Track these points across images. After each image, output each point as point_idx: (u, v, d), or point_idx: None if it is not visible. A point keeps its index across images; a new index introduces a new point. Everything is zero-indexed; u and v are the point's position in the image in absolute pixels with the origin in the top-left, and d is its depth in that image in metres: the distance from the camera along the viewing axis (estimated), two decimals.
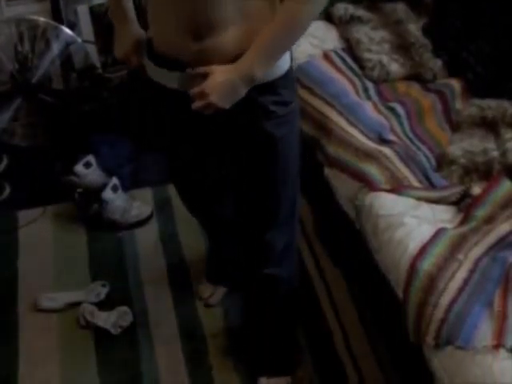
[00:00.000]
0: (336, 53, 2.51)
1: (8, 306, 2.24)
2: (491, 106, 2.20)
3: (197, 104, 1.40)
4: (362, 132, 2.15)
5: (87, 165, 2.58)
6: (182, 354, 2.08)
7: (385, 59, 2.45)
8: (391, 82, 2.42)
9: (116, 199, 2.51)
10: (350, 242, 2.16)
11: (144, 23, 1.60)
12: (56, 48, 2.74)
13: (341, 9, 2.64)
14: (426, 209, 1.91)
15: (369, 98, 2.35)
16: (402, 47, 2.50)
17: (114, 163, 2.68)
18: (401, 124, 2.24)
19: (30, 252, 2.44)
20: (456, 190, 1.97)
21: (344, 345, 2.10)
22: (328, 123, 2.20)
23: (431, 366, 1.60)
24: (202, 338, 2.12)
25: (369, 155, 2.06)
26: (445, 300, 1.61)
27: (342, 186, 2.11)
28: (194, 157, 1.71)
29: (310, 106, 2.28)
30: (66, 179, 2.57)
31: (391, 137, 2.16)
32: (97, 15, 2.88)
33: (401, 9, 2.64)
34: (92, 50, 2.88)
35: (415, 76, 2.43)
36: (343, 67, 2.46)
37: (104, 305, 2.19)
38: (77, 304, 2.19)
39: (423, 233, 1.80)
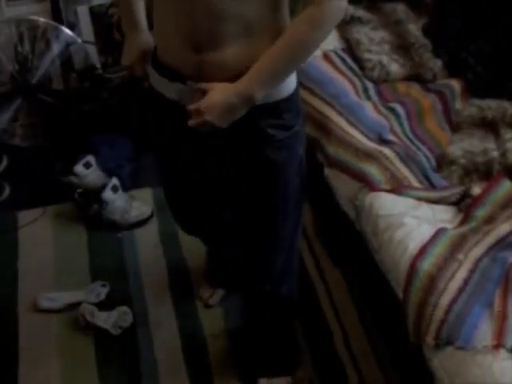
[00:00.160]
0: (336, 53, 2.51)
1: (8, 306, 2.23)
2: (491, 106, 2.20)
3: (193, 121, 1.38)
4: (361, 132, 2.15)
5: (87, 165, 2.58)
6: (182, 355, 2.07)
7: (385, 59, 2.45)
8: (391, 83, 2.42)
9: (116, 199, 2.51)
10: (350, 242, 2.16)
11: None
12: (56, 48, 2.74)
13: None
14: (426, 209, 1.91)
15: (369, 98, 2.35)
16: (402, 47, 2.50)
17: (113, 163, 2.68)
18: (401, 124, 2.24)
19: (29, 252, 2.44)
20: (456, 191, 1.97)
21: (344, 345, 2.10)
22: (328, 123, 2.20)
23: (431, 366, 1.60)
24: (202, 339, 2.12)
25: (369, 155, 2.06)
26: (445, 300, 1.61)
27: (341, 186, 2.11)
28: (193, 162, 1.67)
29: (309, 107, 2.28)
30: (66, 179, 2.57)
31: (391, 137, 2.16)
32: (97, 16, 2.88)
33: (401, 9, 2.64)
34: (92, 50, 2.88)
35: (415, 76, 2.43)
36: (343, 67, 2.46)
37: (104, 305, 2.19)
38: (77, 304, 2.19)
39: (423, 233, 1.80)
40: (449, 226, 1.86)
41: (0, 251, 2.45)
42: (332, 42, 2.57)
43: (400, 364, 1.99)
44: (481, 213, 1.88)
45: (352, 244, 2.14)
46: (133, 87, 2.67)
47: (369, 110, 2.26)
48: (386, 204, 1.92)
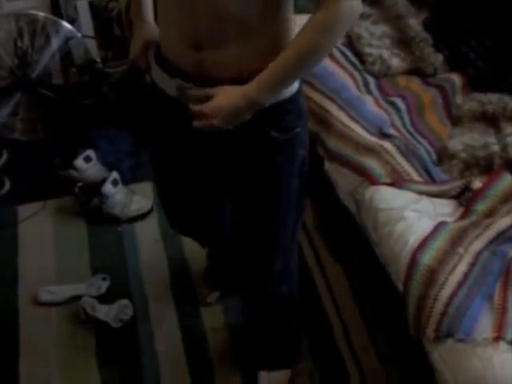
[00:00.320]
0: (337, 47, 2.50)
1: (8, 301, 2.23)
2: (492, 100, 2.20)
3: (198, 123, 1.37)
4: (362, 126, 2.15)
5: (87, 159, 2.58)
6: (182, 347, 2.08)
7: (385, 54, 2.45)
8: (392, 77, 2.42)
9: (116, 193, 2.51)
10: (351, 236, 2.16)
11: None
12: (56, 43, 2.74)
13: None
14: (426, 203, 1.92)
15: (369, 92, 2.35)
16: (403, 42, 2.50)
17: (113, 158, 2.68)
18: (401, 118, 2.24)
19: (30, 246, 2.44)
20: (456, 184, 1.97)
21: (344, 339, 2.10)
22: (329, 117, 2.20)
23: (431, 359, 1.60)
24: (203, 332, 2.12)
25: (369, 149, 2.06)
26: (445, 293, 1.62)
27: (342, 180, 2.11)
28: (191, 159, 1.64)
29: (310, 101, 2.27)
30: (66, 173, 2.57)
31: (392, 131, 2.16)
32: (96, 10, 2.87)
33: (401, 3, 2.64)
34: (92, 44, 2.88)
35: (416, 70, 2.44)
36: (344, 62, 2.45)
37: (104, 298, 2.19)
38: (77, 297, 2.19)
39: (423, 226, 1.81)
40: (449, 219, 1.86)
41: (0, 245, 2.45)
42: None
43: (400, 358, 1.99)
44: (481, 207, 1.88)
45: (352, 238, 2.14)
46: (133, 81, 2.67)
47: (369, 104, 2.26)
48: (387, 198, 1.92)
